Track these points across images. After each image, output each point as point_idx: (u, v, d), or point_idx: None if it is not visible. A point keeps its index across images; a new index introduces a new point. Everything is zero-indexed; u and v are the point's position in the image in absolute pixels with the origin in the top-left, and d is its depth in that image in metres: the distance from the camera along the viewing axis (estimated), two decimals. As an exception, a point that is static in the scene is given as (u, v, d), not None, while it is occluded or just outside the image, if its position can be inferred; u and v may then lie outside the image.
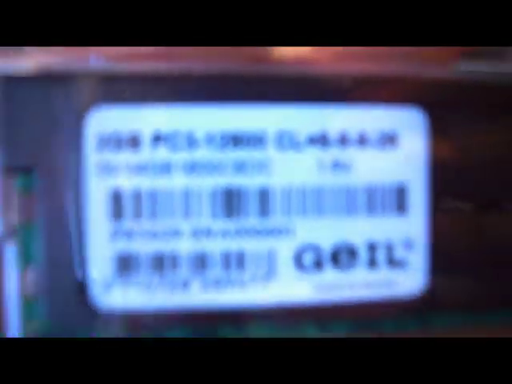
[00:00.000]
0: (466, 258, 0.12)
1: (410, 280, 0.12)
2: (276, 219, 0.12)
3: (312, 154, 0.12)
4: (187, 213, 0.12)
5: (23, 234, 0.11)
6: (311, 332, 0.12)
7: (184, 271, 0.12)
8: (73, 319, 0.11)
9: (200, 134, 0.11)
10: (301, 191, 0.12)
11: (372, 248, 0.12)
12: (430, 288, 0.12)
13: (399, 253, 0.12)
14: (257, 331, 0.12)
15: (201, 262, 0.12)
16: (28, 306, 0.11)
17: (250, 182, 0.12)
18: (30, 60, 0.11)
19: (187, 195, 0.12)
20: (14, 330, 0.11)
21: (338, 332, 0.12)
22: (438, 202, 0.12)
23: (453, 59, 0.13)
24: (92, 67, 0.11)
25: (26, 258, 0.11)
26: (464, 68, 0.13)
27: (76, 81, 0.11)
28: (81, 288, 0.11)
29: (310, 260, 0.12)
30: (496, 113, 0.13)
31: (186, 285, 0.12)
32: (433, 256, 0.12)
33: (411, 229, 0.12)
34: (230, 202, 0.12)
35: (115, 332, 0.11)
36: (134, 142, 0.11)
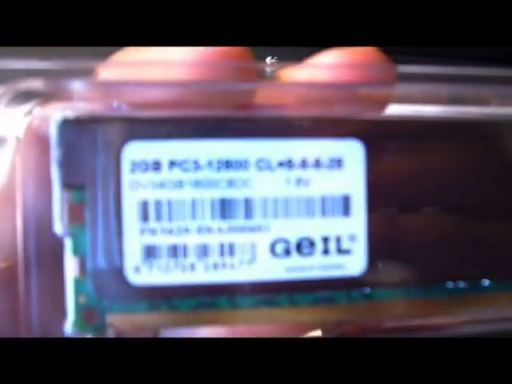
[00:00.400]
0: (394, 248, 0.15)
1: (354, 264, 0.15)
2: (256, 220, 0.14)
3: (281, 174, 0.14)
4: (194, 216, 0.14)
5: (76, 232, 0.14)
6: (283, 303, 0.15)
7: (192, 258, 0.14)
8: (112, 293, 0.14)
9: (203, 160, 0.14)
10: (274, 200, 0.14)
11: (326, 240, 0.15)
12: (369, 270, 0.15)
13: (346, 244, 0.15)
14: (243, 301, 0.15)
15: (203, 251, 0.14)
16: (79, 284, 0.14)
17: (238, 193, 0.14)
18: (80, 106, 0.14)
19: (194, 203, 0.14)
20: (70, 301, 0.14)
21: (303, 303, 0.15)
22: (373, 207, 0.15)
23: (383, 103, 0.16)
24: (126, 113, 0.14)
25: (78, 250, 0.14)
26: (392, 109, 0.16)
27: (115, 123, 0.14)
28: (118, 270, 0.14)
29: (281, 249, 0.15)
30: (416, 142, 0.16)
31: (193, 268, 0.14)
32: (370, 246, 0.15)
33: (354, 227, 0.15)
34: (224, 208, 0.14)
35: (142, 302, 0.14)
36: (156, 166, 0.14)
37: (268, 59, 0.32)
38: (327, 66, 0.16)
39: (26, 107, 0.14)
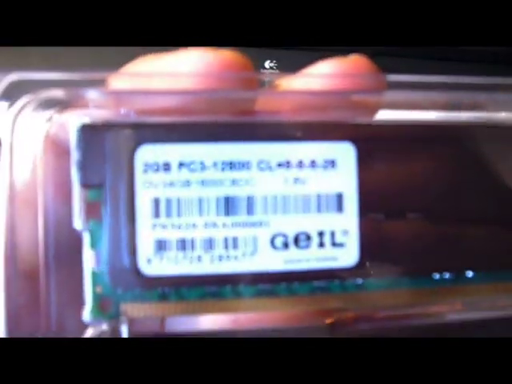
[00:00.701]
0: (383, 245, 0.16)
1: (346, 256, 0.16)
2: (257, 216, 0.15)
3: (280, 174, 0.16)
4: (201, 212, 0.15)
5: (94, 227, 0.15)
6: (282, 292, 0.16)
7: (199, 250, 0.15)
8: (126, 283, 0.15)
9: (209, 162, 0.15)
10: (273, 198, 0.15)
11: (321, 234, 0.16)
12: (361, 262, 0.16)
13: (339, 238, 0.16)
14: (246, 291, 0.16)
15: (209, 244, 0.15)
16: (96, 275, 0.15)
17: (241, 192, 0.15)
18: (98, 112, 0.15)
19: (201, 201, 0.15)
20: (88, 291, 0.15)
21: (301, 293, 0.16)
22: (364, 204, 0.16)
23: (374, 109, 0.17)
24: (138, 119, 0.15)
25: (95, 244, 0.15)
26: (382, 115, 0.17)
27: (129, 128, 0.15)
28: (131, 262, 0.15)
29: (280, 242, 0.16)
30: (404, 146, 0.17)
31: (200, 259, 0.15)
32: (362, 239, 0.16)
33: (347, 222, 0.16)
34: (228, 205, 0.15)
35: (153, 291, 0.15)
36: (166, 167, 0.15)
37: (267, 63, 0.33)
38: (322, 75, 0.17)
39: (48, 114, 0.16)
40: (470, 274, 0.17)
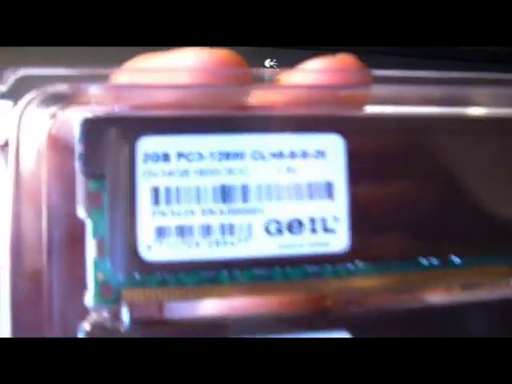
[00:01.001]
0: (373, 230, 0.17)
1: (338, 241, 0.16)
2: (252, 203, 0.16)
3: (274, 164, 0.16)
4: (198, 200, 0.16)
5: (96, 216, 0.16)
6: (277, 277, 0.16)
7: (197, 236, 0.16)
8: (127, 269, 0.16)
9: (206, 152, 0.16)
10: (267, 186, 0.16)
11: (313, 221, 0.16)
12: (351, 247, 0.17)
13: (330, 224, 0.16)
14: (242, 276, 0.16)
15: (207, 230, 0.16)
16: (98, 262, 0.16)
17: (236, 180, 0.16)
18: (99, 107, 0.16)
19: (198, 189, 0.16)
20: (90, 277, 0.16)
21: (295, 277, 0.16)
22: (353, 193, 0.17)
23: (361, 103, 0.18)
24: (139, 112, 0.16)
25: (97, 232, 0.16)
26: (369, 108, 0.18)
27: (130, 121, 0.16)
28: (132, 249, 0.16)
29: (274, 229, 0.16)
30: (389, 137, 0.18)
31: (198, 245, 0.16)
32: (352, 226, 0.17)
33: (337, 209, 0.17)
34: (224, 193, 0.16)
35: (153, 277, 0.16)
36: (165, 157, 0.16)
37: (267, 61, 0.34)
38: (312, 71, 0.18)
39: (52, 109, 0.16)
40: (457, 259, 0.18)
